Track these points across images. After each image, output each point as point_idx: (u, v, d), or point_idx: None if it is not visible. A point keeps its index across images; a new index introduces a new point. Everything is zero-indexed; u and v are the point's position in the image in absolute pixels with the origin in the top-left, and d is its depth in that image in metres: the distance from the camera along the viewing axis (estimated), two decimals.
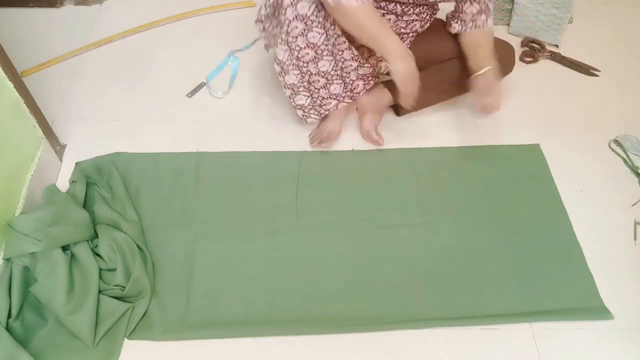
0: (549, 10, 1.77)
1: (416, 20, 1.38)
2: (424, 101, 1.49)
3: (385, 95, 1.49)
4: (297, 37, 1.23)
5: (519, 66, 1.72)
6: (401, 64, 1.21)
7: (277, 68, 1.31)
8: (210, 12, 1.87)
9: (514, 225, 1.31)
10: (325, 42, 1.26)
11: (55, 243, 1.13)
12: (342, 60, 1.33)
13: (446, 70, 1.46)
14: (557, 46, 1.78)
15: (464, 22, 1.37)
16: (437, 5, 1.41)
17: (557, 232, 1.31)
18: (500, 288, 1.21)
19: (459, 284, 1.21)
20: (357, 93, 1.43)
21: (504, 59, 1.44)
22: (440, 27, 1.45)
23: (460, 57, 1.42)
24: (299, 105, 1.39)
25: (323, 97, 1.38)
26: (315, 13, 1.21)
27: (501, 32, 1.83)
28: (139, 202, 1.32)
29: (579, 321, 1.16)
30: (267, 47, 1.46)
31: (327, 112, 1.43)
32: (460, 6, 1.36)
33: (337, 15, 1.18)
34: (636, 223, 1.33)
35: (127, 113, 1.54)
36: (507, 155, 1.47)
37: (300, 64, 1.29)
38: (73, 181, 1.32)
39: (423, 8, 1.36)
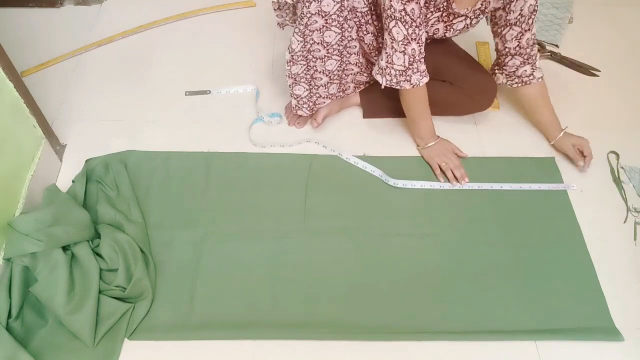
0: (549, 10, 1.77)
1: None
2: (386, 112, 1.52)
3: (354, 96, 1.53)
4: (313, 32, 1.25)
5: None
6: (425, 144, 1.42)
7: (288, 56, 1.31)
8: (210, 12, 1.87)
9: (526, 239, 1.28)
10: (338, 43, 1.28)
11: (56, 243, 1.13)
12: (346, 62, 1.35)
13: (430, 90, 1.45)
14: (557, 46, 1.78)
15: (509, 76, 1.42)
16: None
17: (569, 249, 1.27)
18: (508, 303, 1.18)
19: (465, 297, 1.18)
20: (347, 94, 1.47)
21: (483, 92, 1.43)
22: (455, 47, 1.46)
23: (458, 84, 1.42)
24: (296, 95, 1.40)
25: (320, 95, 1.40)
26: (337, 13, 1.22)
27: None
28: (149, 200, 1.32)
29: (587, 341, 1.13)
30: (280, 25, 1.46)
31: (317, 109, 1.45)
32: (502, 59, 1.40)
33: (403, 95, 1.36)
34: (636, 223, 1.34)
35: (127, 113, 1.54)
36: (520, 167, 1.43)
37: (310, 57, 1.30)
38: (73, 180, 1.32)
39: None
